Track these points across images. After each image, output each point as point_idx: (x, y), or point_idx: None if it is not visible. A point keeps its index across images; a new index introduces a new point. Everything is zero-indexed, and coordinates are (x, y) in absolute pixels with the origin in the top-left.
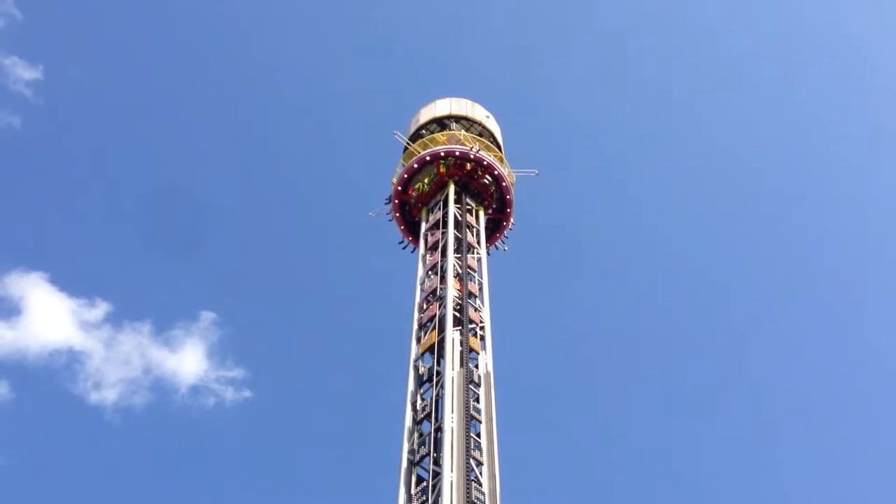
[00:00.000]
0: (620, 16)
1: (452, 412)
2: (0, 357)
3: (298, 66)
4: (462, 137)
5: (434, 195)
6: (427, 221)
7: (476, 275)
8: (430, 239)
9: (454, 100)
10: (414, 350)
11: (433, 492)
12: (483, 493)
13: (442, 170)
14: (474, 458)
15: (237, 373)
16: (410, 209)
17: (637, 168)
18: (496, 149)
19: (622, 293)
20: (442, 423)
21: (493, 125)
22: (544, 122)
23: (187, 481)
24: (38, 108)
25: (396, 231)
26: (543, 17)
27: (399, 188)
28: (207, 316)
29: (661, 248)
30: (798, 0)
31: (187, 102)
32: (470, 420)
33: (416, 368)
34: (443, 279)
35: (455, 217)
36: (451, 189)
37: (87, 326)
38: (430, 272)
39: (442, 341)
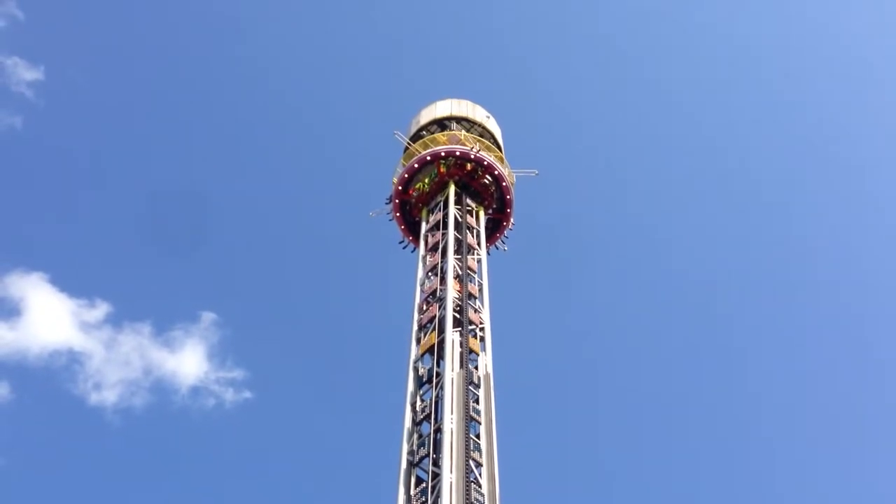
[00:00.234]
0: (620, 17)
1: (452, 413)
2: (0, 357)
3: (299, 67)
4: (463, 138)
5: (434, 195)
6: (427, 222)
7: (476, 276)
8: (430, 240)
9: (455, 101)
10: (414, 351)
11: (432, 493)
12: (482, 495)
13: (442, 170)
14: (474, 460)
15: (237, 374)
16: (411, 209)
17: (637, 168)
18: (497, 149)
19: (622, 293)
20: (441, 424)
21: (493, 126)
22: (544, 123)
23: (187, 482)
24: (39, 108)
25: (397, 231)
26: (544, 18)
27: (400, 188)
28: (207, 317)
29: (660, 249)
30: (798, 0)
31: (188, 103)
32: (469, 421)
33: (416, 369)
34: (443, 280)
35: (455, 218)
36: (452, 189)
37: (87, 327)
38: (430, 273)
39: (442, 342)
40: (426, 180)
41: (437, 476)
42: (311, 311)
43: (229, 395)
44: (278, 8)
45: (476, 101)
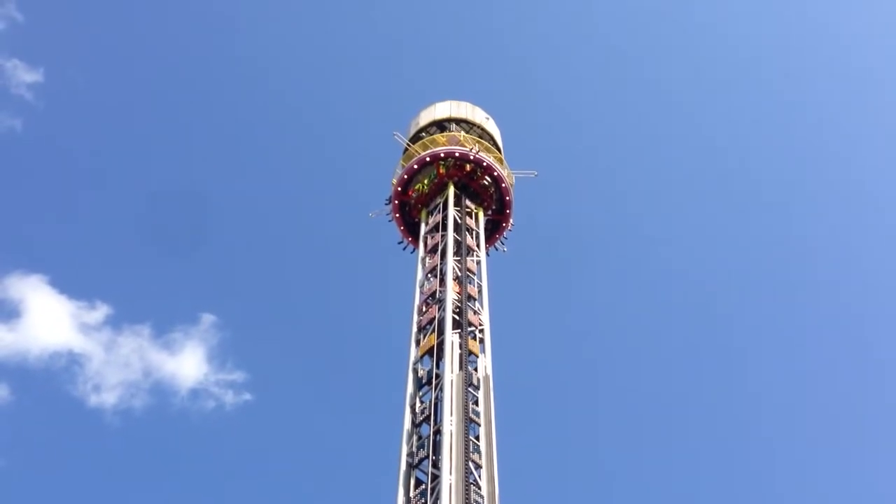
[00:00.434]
0: (619, 18)
1: (451, 415)
2: (0, 359)
3: (299, 68)
4: (462, 139)
5: (434, 196)
6: (427, 223)
7: (475, 278)
8: (429, 241)
9: (454, 102)
10: (413, 353)
11: (432, 495)
12: (482, 497)
13: (442, 171)
14: (473, 461)
15: (237, 376)
16: (410, 210)
17: (636, 169)
18: (496, 150)
19: (621, 294)
20: (441, 426)
21: (492, 127)
22: (544, 124)
23: (187, 484)
24: (38, 110)
25: (396, 232)
26: (543, 19)
27: (399, 189)
28: (207, 318)
29: (660, 249)
30: (798, 0)
31: (187, 105)
32: (469, 423)
33: (416, 371)
34: (442, 282)
35: (455, 220)
36: (451, 191)
37: (86, 329)
38: (429, 275)
39: (441, 344)
40: (425, 181)
41: (436, 478)
42: (310, 312)
43: (229, 397)
44: (278, 8)
45: (475, 102)
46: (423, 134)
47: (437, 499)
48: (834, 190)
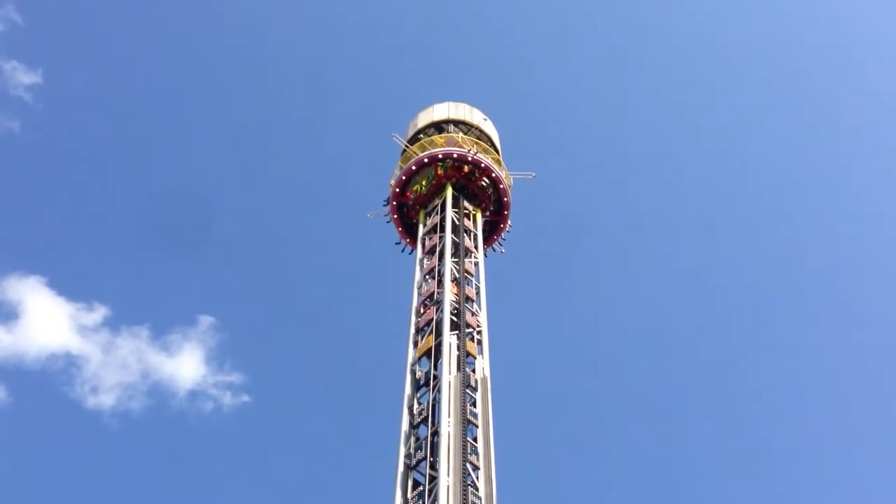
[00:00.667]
0: (618, 19)
1: (449, 416)
2: None
3: (298, 69)
4: (460, 140)
5: (432, 197)
6: (425, 225)
7: (473, 279)
8: (427, 243)
9: (453, 104)
10: (411, 354)
11: (430, 496)
12: (479, 498)
13: (440, 172)
14: (471, 463)
15: (235, 377)
16: (408, 211)
17: (635, 170)
18: (494, 152)
19: (620, 296)
20: (438, 427)
21: (490, 129)
22: (542, 126)
23: (185, 486)
24: (37, 112)
25: (394, 233)
26: (542, 20)
27: (397, 190)
28: (205, 320)
29: (659, 250)
30: (798, 0)
31: (186, 107)
32: (467, 424)
33: (413, 373)
34: (440, 283)
35: (453, 221)
36: (449, 192)
37: (84, 330)
38: (427, 276)
39: (439, 345)
40: (423, 182)
41: (434, 479)
42: (308, 314)
43: (227, 398)
44: (278, 9)
45: (473, 103)
46: (422, 135)
47: (434, 500)
48: (834, 190)
